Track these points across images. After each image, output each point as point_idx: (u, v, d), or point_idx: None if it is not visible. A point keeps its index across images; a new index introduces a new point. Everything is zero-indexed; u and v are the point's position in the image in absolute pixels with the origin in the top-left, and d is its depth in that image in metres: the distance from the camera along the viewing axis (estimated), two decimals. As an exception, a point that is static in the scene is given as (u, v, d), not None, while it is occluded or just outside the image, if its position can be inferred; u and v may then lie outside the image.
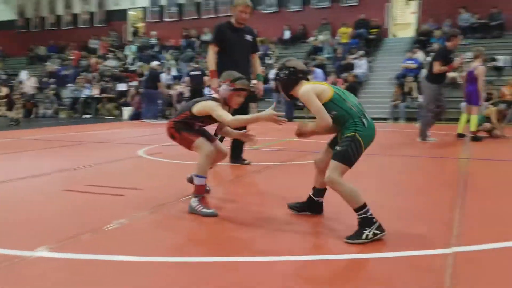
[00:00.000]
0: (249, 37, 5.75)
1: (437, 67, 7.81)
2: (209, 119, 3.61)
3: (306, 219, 3.41)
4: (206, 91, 15.20)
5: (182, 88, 15.82)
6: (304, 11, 20.63)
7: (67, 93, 18.82)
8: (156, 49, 21.91)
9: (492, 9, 16.87)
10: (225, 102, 3.59)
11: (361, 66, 16.44)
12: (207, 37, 21.57)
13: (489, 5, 16.94)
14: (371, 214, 2.89)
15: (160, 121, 14.73)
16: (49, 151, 7.61)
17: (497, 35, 16.61)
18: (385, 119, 13.80)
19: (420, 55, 15.94)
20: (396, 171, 5.72)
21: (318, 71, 15.54)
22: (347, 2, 19.64)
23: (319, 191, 3.42)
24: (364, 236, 2.84)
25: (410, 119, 13.84)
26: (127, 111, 16.53)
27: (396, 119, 13.75)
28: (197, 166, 3.52)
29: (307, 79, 3.20)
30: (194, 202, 3.52)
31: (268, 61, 18.37)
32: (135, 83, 17.54)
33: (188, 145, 3.62)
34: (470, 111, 8.68)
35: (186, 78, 15.74)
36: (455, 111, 13.25)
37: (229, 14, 21.64)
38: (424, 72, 8.91)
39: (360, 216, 2.90)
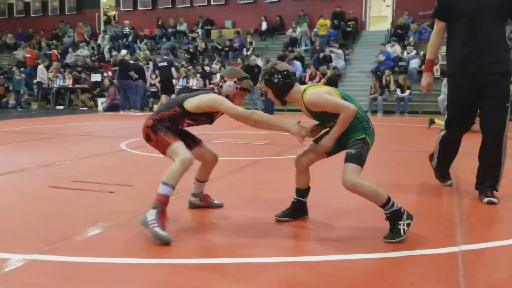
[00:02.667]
0: None
1: None
2: (205, 117, 3.19)
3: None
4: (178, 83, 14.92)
5: (154, 80, 15.50)
6: (281, 2, 20.53)
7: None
8: (130, 38, 21.47)
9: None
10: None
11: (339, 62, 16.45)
12: (183, 27, 21.30)
13: None
14: (397, 205, 2.85)
15: (142, 113, 14.47)
16: (26, 144, 7.32)
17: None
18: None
19: (397, 48, 16.07)
20: (384, 166, 5.70)
21: (297, 63, 15.51)
22: (324, -6, 19.65)
23: (305, 192, 3.28)
24: (402, 232, 2.80)
25: (387, 112, 13.98)
26: (101, 102, 16.17)
27: (374, 112, 13.84)
28: (168, 172, 2.92)
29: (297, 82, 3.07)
30: (151, 214, 2.85)
31: (246, 52, 18.31)
32: (110, 73, 17.19)
33: (163, 149, 3.05)
34: None
35: (157, 71, 15.34)
36: (432, 105, 13.43)
37: (204, 4, 21.87)
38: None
39: (388, 211, 2.84)
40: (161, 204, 2.87)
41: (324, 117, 2.99)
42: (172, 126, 3.12)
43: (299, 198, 3.27)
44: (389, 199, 2.84)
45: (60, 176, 4.80)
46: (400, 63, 15.75)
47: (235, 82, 3.16)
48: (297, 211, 3.29)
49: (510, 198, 3.87)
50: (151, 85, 15.55)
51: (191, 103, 3.09)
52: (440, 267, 2.47)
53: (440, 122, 9.49)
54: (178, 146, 3.00)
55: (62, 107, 17.30)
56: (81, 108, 16.84)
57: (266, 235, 2.97)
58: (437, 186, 4.40)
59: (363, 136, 2.91)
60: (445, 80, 12.76)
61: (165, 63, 14.68)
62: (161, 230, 2.78)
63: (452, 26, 3.77)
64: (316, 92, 2.92)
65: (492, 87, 3.63)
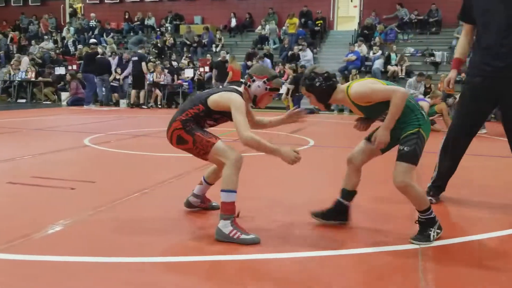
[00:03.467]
0: None
1: None
2: (227, 117, 3.02)
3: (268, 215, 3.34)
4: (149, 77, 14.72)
5: (118, 75, 15.27)
6: (250, -1, 20.55)
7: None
8: (96, 31, 21.04)
9: (431, 5, 17.49)
10: (251, 100, 3.04)
11: (307, 56, 16.57)
12: (151, 21, 21.02)
13: (428, 2, 17.56)
14: (434, 214, 2.88)
15: (98, 107, 14.25)
16: (-15, 138, 7.11)
17: (435, 31, 17.28)
18: (331, 110, 13.98)
19: (363, 48, 16.29)
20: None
21: (267, 61, 15.62)
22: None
23: (350, 194, 3.12)
24: (431, 237, 2.83)
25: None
26: (65, 96, 15.79)
27: (341, 110, 13.98)
28: (224, 178, 2.80)
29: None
30: (225, 226, 2.76)
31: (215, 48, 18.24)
32: (75, 67, 16.80)
33: (204, 151, 2.89)
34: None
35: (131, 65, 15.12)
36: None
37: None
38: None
39: (424, 217, 2.85)
40: (231, 214, 2.78)
41: (375, 110, 2.86)
42: (199, 125, 3.00)
43: (342, 200, 3.11)
44: (430, 206, 2.87)
45: (19, 171, 4.67)
46: (366, 63, 15.98)
47: (264, 82, 2.98)
48: (336, 213, 3.12)
49: (466, 197, 3.97)
50: (114, 79, 15.31)
51: (213, 99, 2.96)
52: (401, 263, 2.54)
53: None
54: (223, 146, 2.87)
55: (23, 100, 16.82)
56: (44, 102, 16.40)
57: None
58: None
59: (417, 129, 2.78)
60: (409, 80, 13.05)
61: (136, 58, 14.57)
62: (246, 235, 2.75)
63: (476, 28, 3.60)
64: (360, 84, 2.85)
65: (508, 92, 3.45)
